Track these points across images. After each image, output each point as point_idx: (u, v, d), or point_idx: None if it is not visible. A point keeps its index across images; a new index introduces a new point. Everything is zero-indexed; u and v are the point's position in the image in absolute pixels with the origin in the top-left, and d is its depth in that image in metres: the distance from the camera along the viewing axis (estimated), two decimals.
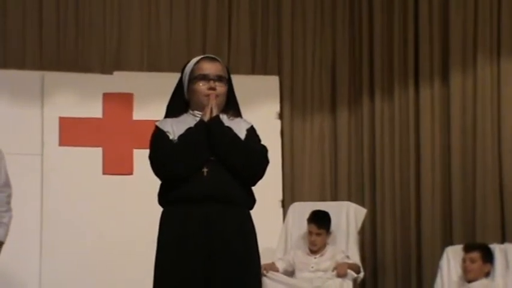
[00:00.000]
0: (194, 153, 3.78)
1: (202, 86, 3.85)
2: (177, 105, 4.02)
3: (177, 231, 3.74)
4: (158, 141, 3.89)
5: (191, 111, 3.93)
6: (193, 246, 3.71)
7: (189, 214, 3.72)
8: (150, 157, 3.87)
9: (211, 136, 3.76)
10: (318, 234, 6.89)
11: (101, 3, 7.79)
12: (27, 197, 6.71)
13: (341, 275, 6.68)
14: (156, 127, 3.95)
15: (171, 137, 3.87)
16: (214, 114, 3.81)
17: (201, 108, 3.84)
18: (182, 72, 4.05)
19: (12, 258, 6.12)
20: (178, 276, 3.74)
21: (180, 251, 3.71)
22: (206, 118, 3.78)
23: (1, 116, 7.13)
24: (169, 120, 3.96)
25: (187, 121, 3.92)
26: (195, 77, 3.83)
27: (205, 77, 3.88)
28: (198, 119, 3.88)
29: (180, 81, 4.02)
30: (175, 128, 3.90)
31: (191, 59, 4.04)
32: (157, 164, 3.83)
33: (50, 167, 7.39)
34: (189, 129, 3.82)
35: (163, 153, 3.81)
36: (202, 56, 4.03)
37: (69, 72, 7.49)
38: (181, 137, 3.83)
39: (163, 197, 3.88)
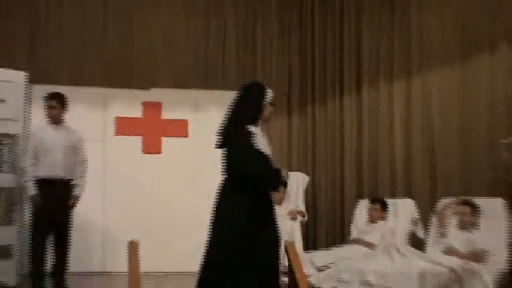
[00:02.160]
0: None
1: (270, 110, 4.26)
2: (257, 116, 4.22)
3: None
4: (265, 159, 4.03)
5: (258, 125, 4.19)
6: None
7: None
8: (261, 168, 3.99)
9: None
10: (283, 192, 7.60)
11: (148, 42, 8.54)
12: (93, 169, 7.02)
13: (293, 218, 7.57)
14: (252, 135, 4.06)
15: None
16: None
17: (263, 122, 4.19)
18: (262, 94, 4.30)
19: (84, 207, 6.78)
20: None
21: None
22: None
23: (81, 117, 7.51)
24: (254, 128, 4.13)
25: (259, 135, 4.14)
26: (269, 103, 4.29)
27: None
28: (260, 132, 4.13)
29: (262, 100, 4.24)
30: (261, 142, 4.13)
31: (265, 86, 4.41)
32: (264, 178, 4.00)
33: (108, 150, 8.14)
34: (275, 170, 4.07)
35: (268, 169, 3.99)
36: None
37: (122, 89, 8.24)
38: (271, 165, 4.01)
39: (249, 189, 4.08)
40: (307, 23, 8.75)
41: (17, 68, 7.04)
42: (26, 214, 6.72)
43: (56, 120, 6.48)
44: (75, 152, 6.45)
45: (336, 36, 8.46)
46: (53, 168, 6.31)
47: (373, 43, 8.17)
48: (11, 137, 6.61)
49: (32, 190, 6.28)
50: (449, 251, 6.28)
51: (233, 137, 4.04)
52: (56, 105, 6.41)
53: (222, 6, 8.80)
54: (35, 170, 6.29)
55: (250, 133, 3.94)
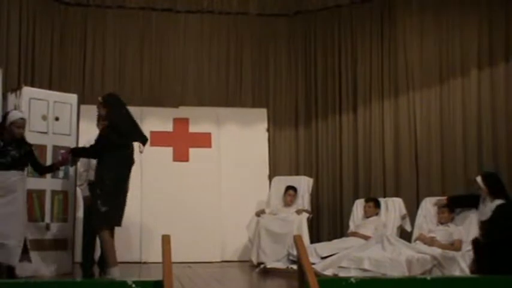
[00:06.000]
0: None
1: None
2: None
3: None
4: None
5: None
6: None
7: None
8: None
9: None
10: (294, 196, 7.88)
11: (177, 68, 8.63)
12: (133, 174, 6.17)
13: (298, 213, 7.72)
14: None
15: None
16: None
17: None
18: None
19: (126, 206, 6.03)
20: None
21: None
22: None
23: None
24: None
25: None
26: None
27: None
28: None
29: None
30: None
31: None
32: None
33: (145, 158, 7.66)
34: None
35: None
36: None
37: (155, 107, 8.40)
38: None
39: None
40: (311, 51, 8.88)
41: (70, 92, 7.20)
42: (79, 212, 6.86)
43: None
44: None
45: (334, 62, 8.64)
46: None
47: (367, 68, 8.38)
48: (65, 148, 6.50)
49: (85, 192, 6.36)
50: (432, 242, 6.40)
51: None
52: None
53: (240, 38, 8.93)
54: (87, 175, 6.34)
55: None
